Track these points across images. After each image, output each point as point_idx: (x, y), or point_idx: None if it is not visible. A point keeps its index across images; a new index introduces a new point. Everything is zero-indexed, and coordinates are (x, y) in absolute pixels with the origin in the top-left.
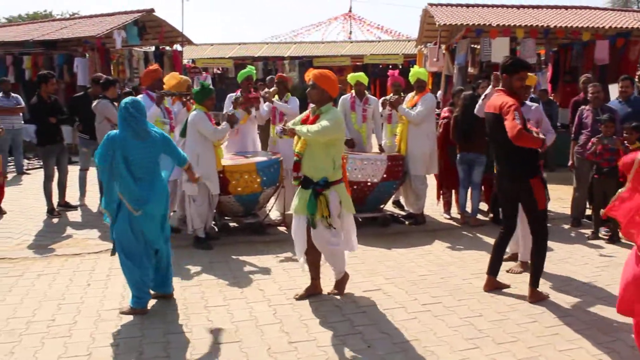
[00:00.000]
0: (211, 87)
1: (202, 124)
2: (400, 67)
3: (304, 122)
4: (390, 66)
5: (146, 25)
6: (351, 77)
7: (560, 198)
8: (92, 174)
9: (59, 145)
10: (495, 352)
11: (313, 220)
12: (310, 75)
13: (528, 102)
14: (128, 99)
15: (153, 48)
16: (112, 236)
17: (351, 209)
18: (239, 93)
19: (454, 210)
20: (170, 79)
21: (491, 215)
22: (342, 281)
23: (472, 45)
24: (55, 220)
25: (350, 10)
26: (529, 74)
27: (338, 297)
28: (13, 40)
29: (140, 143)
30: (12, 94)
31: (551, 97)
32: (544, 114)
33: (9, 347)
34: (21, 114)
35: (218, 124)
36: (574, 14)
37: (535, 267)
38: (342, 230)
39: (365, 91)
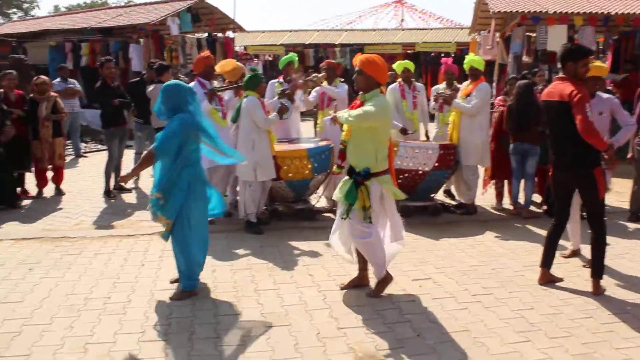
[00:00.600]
0: (262, 76)
1: (255, 111)
2: (453, 55)
3: (352, 109)
4: (443, 54)
5: (199, 13)
6: (398, 64)
7: (617, 192)
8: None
9: (122, 128)
10: (547, 346)
11: (348, 209)
12: (357, 61)
13: (599, 93)
14: None
15: (205, 35)
16: (172, 216)
17: (400, 196)
18: (281, 79)
19: (506, 201)
20: (226, 65)
21: (545, 207)
22: (381, 282)
23: (528, 33)
24: (111, 201)
25: None
26: (600, 64)
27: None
28: (72, 27)
29: None
30: (70, 79)
31: (610, 87)
32: (620, 106)
33: (69, 321)
34: (78, 98)
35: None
36: (635, 0)
37: (595, 258)
38: (383, 222)
39: (412, 79)
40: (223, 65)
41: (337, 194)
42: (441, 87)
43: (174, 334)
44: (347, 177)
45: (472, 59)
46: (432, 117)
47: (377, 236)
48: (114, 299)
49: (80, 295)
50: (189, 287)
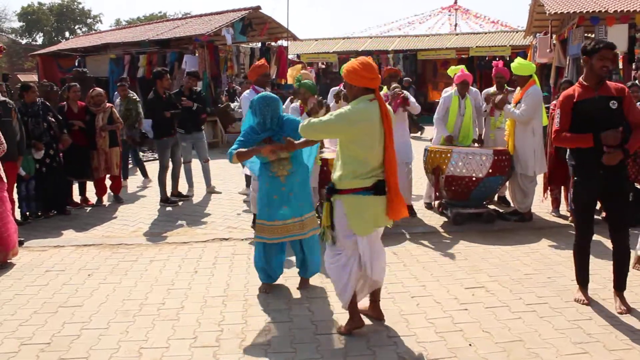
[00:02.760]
0: (309, 82)
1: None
2: (508, 58)
3: None
4: (497, 58)
5: (252, 22)
6: (451, 70)
7: None
8: (196, 165)
9: (173, 138)
10: (605, 358)
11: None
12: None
13: None
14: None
15: (259, 44)
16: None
17: (362, 231)
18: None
19: (563, 208)
20: (293, 71)
21: (604, 213)
22: (349, 320)
23: (586, 34)
24: (168, 209)
25: (455, 2)
26: None
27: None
28: (131, 40)
29: None
30: (130, 91)
31: None
32: None
33: (124, 326)
34: None
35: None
36: None
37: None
38: (356, 250)
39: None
40: (291, 74)
41: None
42: (492, 90)
43: (226, 340)
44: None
45: (514, 66)
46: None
47: (345, 262)
48: (168, 305)
49: (135, 301)
50: None
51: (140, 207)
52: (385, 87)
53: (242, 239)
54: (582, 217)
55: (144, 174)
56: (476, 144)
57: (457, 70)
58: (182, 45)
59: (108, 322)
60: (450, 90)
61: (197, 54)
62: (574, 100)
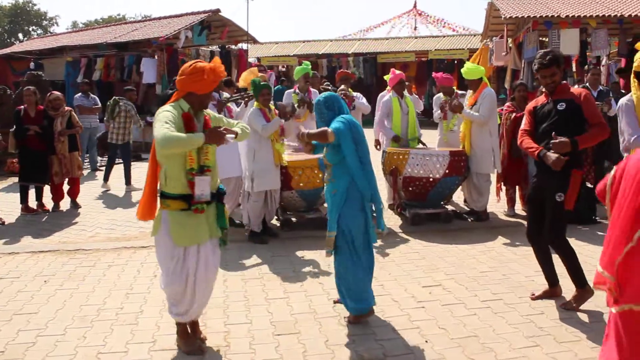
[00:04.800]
0: (263, 83)
1: (253, 120)
2: (466, 61)
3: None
4: (455, 61)
5: (212, 25)
6: (387, 77)
7: None
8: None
9: None
10: (555, 351)
11: (225, 236)
12: None
13: None
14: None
15: (219, 47)
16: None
17: (181, 241)
18: (297, 89)
19: (518, 207)
20: (249, 75)
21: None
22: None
23: (541, 38)
24: (123, 214)
25: (415, 6)
26: None
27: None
28: (88, 43)
29: None
30: (91, 95)
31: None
32: None
33: (82, 332)
34: (98, 114)
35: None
36: None
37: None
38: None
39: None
40: (246, 76)
41: (198, 237)
42: (442, 95)
43: None
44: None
45: (464, 71)
46: (434, 124)
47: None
48: (127, 309)
49: (93, 306)
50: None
51: (99, 212)
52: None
53: None
54: (528, 210)
55: (106, 178)
56: (420, 145)
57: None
58: (140, 48)
59: (65, 328)
60: (387, 94)
61: (156, 57)
62: (534, 106)
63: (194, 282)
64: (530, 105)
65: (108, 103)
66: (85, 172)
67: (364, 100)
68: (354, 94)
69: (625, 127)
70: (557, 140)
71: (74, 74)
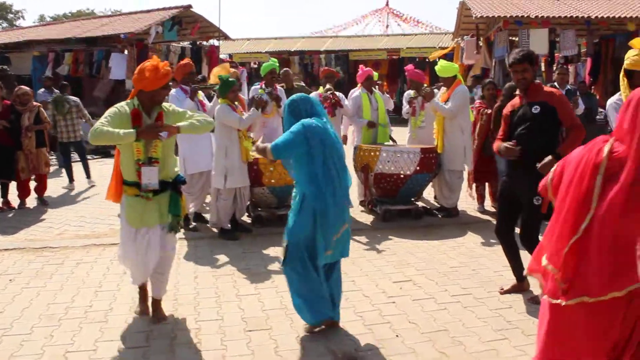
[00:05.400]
0: (231, 79)
1: (227, 116)
2: (438, 60)
3: None
4: (427, 59)
5: (183, 21)
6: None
7: None
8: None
9: None
10: (523, 343)
11: (176, 223)
12: None
13: None
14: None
15: (190, 43)
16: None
17: (132, 222)
18: (263, 85)
19: (488, 203)
20: (221, 71)
21: None
22: (160, 302)
23: (511, 37)
24: (92, 210)
25: (387, 4)
26: None
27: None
28: (56, 38)
29: None
30: (55, 90)
31: (590, 90)
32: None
33: (49, 330)
34: None
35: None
36: (617, 3)
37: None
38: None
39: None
40: (218, 72)
41: (140, 220)
42: (412, 92)
43: (155, 339)
44: (153, 197)
45: (438, 69)
46: (404, 121)
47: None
48: (96, 307)
49: (61, 305)
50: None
51: (67, 209)
52: (321, 88)
53: None
54: (498, 207)
55: (70, 177)
56: (391, 141)
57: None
58: (109, 43)
59: (31, 327)
60: (358, 91)
61: (125, 53)
62: (510, 110)
63: (143, 260)
64: (507, 110)
65: (49, 100)
66: (52, 169)
67: (347, 102)
68: (337, 94)
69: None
70: (540, 164)
71: (41, 69)
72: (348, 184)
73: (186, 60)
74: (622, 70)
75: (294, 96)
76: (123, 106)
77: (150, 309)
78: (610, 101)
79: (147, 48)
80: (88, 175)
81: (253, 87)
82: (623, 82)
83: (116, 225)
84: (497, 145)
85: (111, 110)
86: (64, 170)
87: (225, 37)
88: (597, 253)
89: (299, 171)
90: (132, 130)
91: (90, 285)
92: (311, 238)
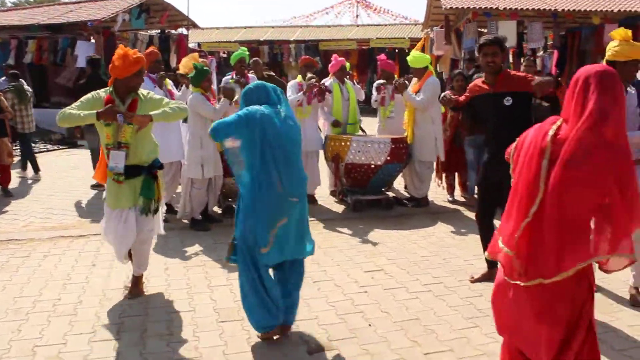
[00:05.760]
0: (206, 68)
1: (201, 106)
2: (407, 50)
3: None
4: (396, 50)
5: (151, 9)
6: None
7: None
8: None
9: None
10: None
11: (147, 206)
12: None
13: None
14: None
15: (158, 32)
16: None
17: (109, 203)
18: (234, 75)
19: (457, 193)
20: (189, 61)
21: None
22: (140, 279)
23: (480, 29)
24: (59, 202)
25: None
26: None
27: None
28: (19, 24)
29: None
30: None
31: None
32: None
33: (16, 324)
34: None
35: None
36: None
37: None
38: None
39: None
40: (186, 62)
41: (115, 202)
42: (382, 82)
43: (127, 332)
44: (124, 180)
45: (410, 59)
46: (374, 111)
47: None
48: (64, 300)
49: (28, 298)
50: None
51: (32, 200)
52: (299, 77)
53: None
54: (479, 192)
55: (35, 168)
56: (361, 132)
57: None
58: (75, 30)
59: None
60: (329, 81)
61: (92, 40)
62: (473, 95)
63: (120, 239)
64: (474, 88)
65: (7, 88)
66: (16, 159)
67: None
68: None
69: None
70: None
71: (2, 57)
72: (296, 177)
73: (151, 49)
74: (604, 61)
75: (250, 84)
76: (99, 92)
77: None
78: None
79: (114, 36)
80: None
81: (224, 78)
82: None
83: (83, 217)
84: (443, 95)
85: (87, 95)
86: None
87: (194, 26)
88: (547, 235)
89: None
90: (92, 112)
91: (58, 277)
92: (251, 233)
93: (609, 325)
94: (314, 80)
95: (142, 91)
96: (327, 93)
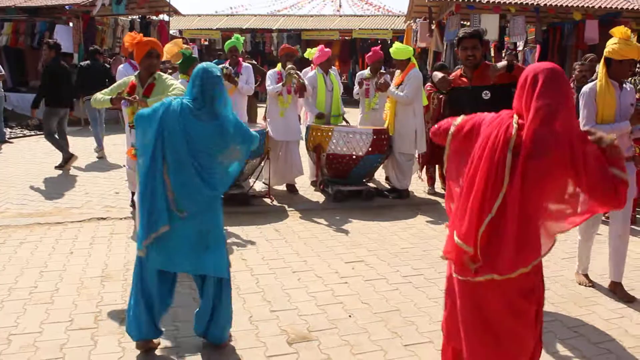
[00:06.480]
0: (194, 55)
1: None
2: (389, 42)
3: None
4: (379, 41)
5: None
6: (308, 53)
7: None
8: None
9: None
10: None
11: None
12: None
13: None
14: None
15: (139, 18)
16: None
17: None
18: (227, 64)
19: (438, 185)
20: (173, 47)
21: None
22: None
23: (462, 22)
24: (36, 188)
25: None
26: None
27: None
28: None
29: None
30: None
31: None
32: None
33: None
34: (1, 82)
35: None
36: None
37: None
38: None
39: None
40: (170, 48)
41: None
42: (366, 72)
43: (104, 320)
44: None
45: (393, 51)
46: (355, 102)
47: None
48: (41, 287)
49: (4, 285)
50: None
51: (8, 186)
52: (279, 65)
53: (121, 218)
54: None
55: None
56: (344, 122)
57: (312, 54)
58: (54, 14)
59: None
60: (311, 72)
61: (70, 25)
62: (453, 87)
63: None
64: (455, 80)
65: None
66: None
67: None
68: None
69: (581, 114)
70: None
71: None
72: (191, 188)
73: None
74: (602, 58)
75: (200, 66)
76: (129, 77)
77: None
78: (585, 88)
79: (94, 21)
80: None
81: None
82: (602, 69)
83: (61, 204)
84: (442, 76)
85: (119, 81)
86: (3, 147)
87: (176, 12)
88: (509, 230)
89: None
90: (108, 97)
91: (34, 265)
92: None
93: (585, 319)
94: (294, 72)
95: (162, 75)
96: (305, 90)
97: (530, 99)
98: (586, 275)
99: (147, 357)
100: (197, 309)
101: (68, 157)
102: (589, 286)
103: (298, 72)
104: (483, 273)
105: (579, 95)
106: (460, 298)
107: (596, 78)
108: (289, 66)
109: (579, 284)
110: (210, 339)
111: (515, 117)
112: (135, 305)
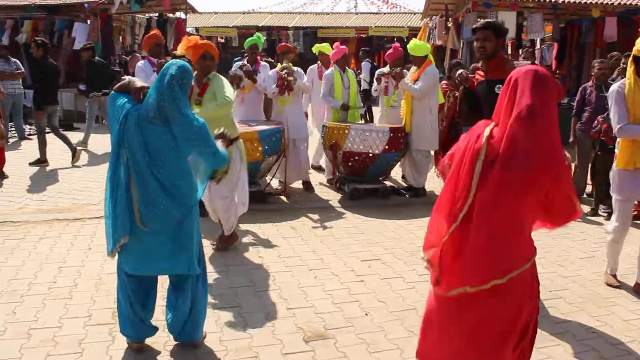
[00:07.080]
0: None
1: None
2: (405, 39)
3: None
4: (395, 39)
5: None
6: (315, 47)
7: None
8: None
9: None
10: None
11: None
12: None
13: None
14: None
15: (156, 15)
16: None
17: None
18: (245, 61)
19: None
20: (189, 42)
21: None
22: (230, 238)
23: (479, 19)
24: (55, 185)
25: None
26: None
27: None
28: (15, 4)
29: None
30: (12, 59)
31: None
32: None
33: (11, 307)
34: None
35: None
36: None
37: None
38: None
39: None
40: (185, 44)
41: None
42: (385, 70)
43: None
44: None
45: (410, 47)
46: (374, 101)
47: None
48: (60, 283)
49: (24, 281)
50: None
51: (27, 183)
52: (279, 65)
53: None
54: None
55: None
56: (362, 120)
57: (319, 49)
58: (72, 12)
59: None
60: (330, 68)
61: (88, 22)
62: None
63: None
64: (475, 80)
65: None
66: (11, 141)
67: (305, 78)
68: (295, 68)
69: (613, 115)
70: None
71: None
72: (156, 199)
73: (153, 31)
74: (631, 56)
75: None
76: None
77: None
78: (613, 88)
79: (112, 18)
80: None
81: (235, 63)
82: (630, 67)
83: (79, 200)
84: (460, 71)
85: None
86: (23, 143)
87: (193, 10)
88: (476, 241)
89: None
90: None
91: (53, 260)
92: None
93: (604, 319)
94: (286, 71)
95: (216, 75)
96: (289, 90)
97: (511, 102)
98: (614, 276)
99: (158, 352)
100: (170, 314)
101: (73, 151)
102: (617, 286)
103: (291, 70)
104: (455, 286)
105: (607, 95)
106: (438, 313)
107: (617, 76)
108: (283, 65)
109: (607, 284)
110: (184, 338)
111: (490, 126)
112: (124, 306)
